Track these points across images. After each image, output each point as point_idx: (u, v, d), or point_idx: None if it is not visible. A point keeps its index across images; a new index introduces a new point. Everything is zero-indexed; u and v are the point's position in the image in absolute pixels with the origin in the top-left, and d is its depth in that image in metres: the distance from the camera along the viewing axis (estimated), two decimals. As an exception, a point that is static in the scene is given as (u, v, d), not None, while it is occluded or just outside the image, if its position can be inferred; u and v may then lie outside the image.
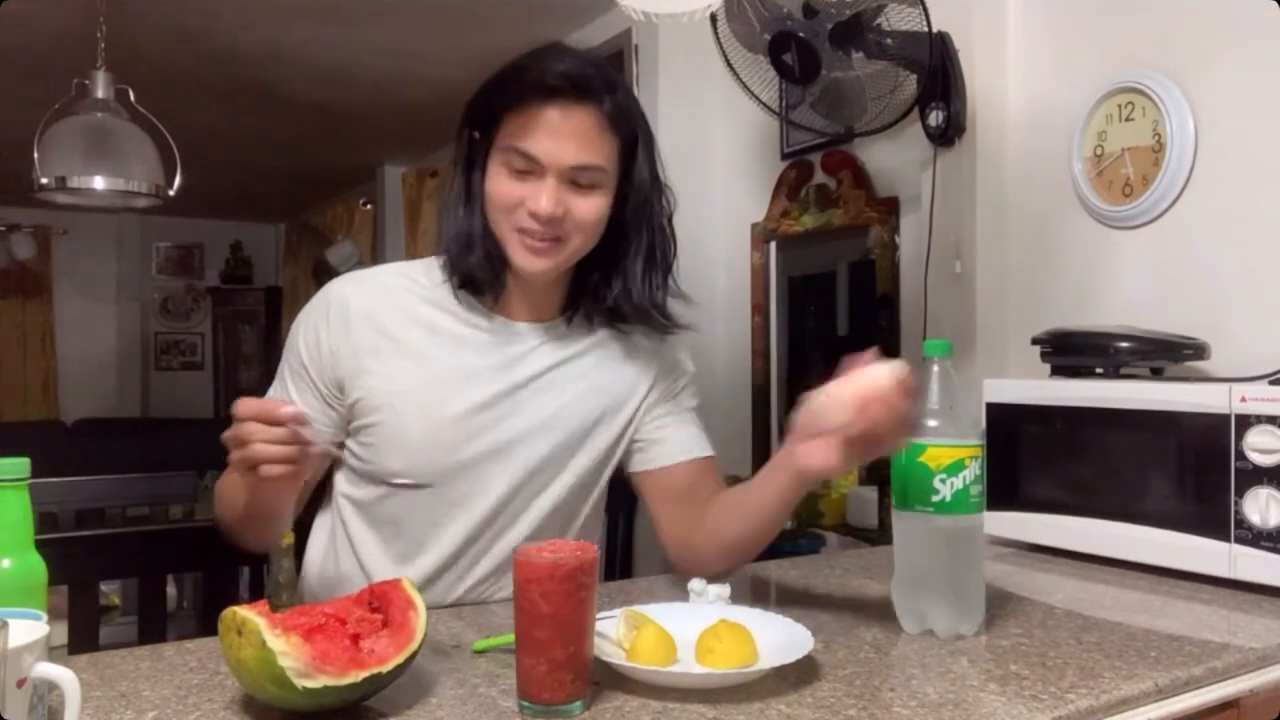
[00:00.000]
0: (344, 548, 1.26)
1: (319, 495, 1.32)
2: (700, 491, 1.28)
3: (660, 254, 1.24)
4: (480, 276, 1.19)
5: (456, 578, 1.23)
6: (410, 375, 1.19)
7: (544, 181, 1.12)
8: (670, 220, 1.26)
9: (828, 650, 1.03)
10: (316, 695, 0.81)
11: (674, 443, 1.30)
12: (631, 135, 1.19)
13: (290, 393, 1.21)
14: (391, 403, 1.18)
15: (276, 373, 1.25)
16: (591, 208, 1.16)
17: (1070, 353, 1.61)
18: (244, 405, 0.99)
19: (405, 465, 1.20)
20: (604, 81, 1.14)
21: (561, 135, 1.11)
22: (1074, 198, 1.84)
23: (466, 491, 1.21)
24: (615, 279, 1.23)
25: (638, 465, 1.31)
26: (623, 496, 1.70)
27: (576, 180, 1.14)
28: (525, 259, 1.16)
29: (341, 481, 1.27)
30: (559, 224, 1.14)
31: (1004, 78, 1.98)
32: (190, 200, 3.60)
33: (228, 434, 1.01)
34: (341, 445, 1.25)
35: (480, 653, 1.03)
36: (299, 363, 1.21)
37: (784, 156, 2.70)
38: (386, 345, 1.19)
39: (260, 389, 1.29)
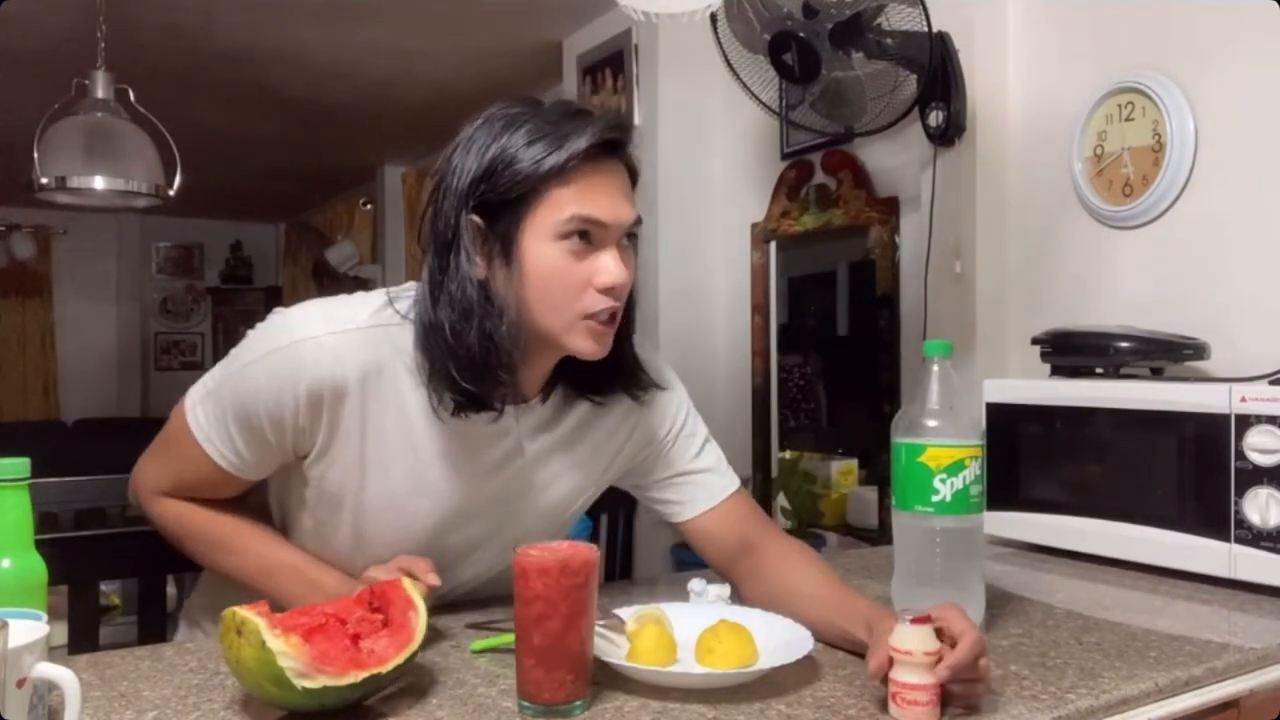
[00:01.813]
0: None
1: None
2: (731, 529, 1.21)
3: (635, 308, 1.11)
4: (497, 395, 1.03)
5: None
6: (374, 474, 1.06)
7: (607, 250, 1.00)
8: None
9: (828, 650, 1.03)
10: (316, 695, 0.81)
11: (685, 503, 1.22)
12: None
13: (234, 441, 1.06)
14: (352, 500, 1.08)
15: (213, 404, 1.06)
16: (633, 270, 1.04)
17: (1070, 353, 1.61)
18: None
19: (365, 558, 1.10)
20: (631, 130, 1.05)
21: (616, 193, 1.01)
22: (1074, 198, 1.84)
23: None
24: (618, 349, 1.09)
25: (664, 518, 1.26)
26: (623, 497, 1.70)
27: (626, 239, 1.03)
28: (591, 345, 1.02)
29: (289, 511, 1.17)
30: (621, 294, 1.02)
31: (1004, 78, 1.98)
32: (190, 200, 3.60)
33: None
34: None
35: (480, 653, 1.03)
36: (251, 425, 1.04)
37: (784, 156, 2.70)
38: (352, 431, 1.04)
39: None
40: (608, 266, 0.99)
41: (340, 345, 1.02)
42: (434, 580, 1.01)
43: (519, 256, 0.99)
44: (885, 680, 0.86)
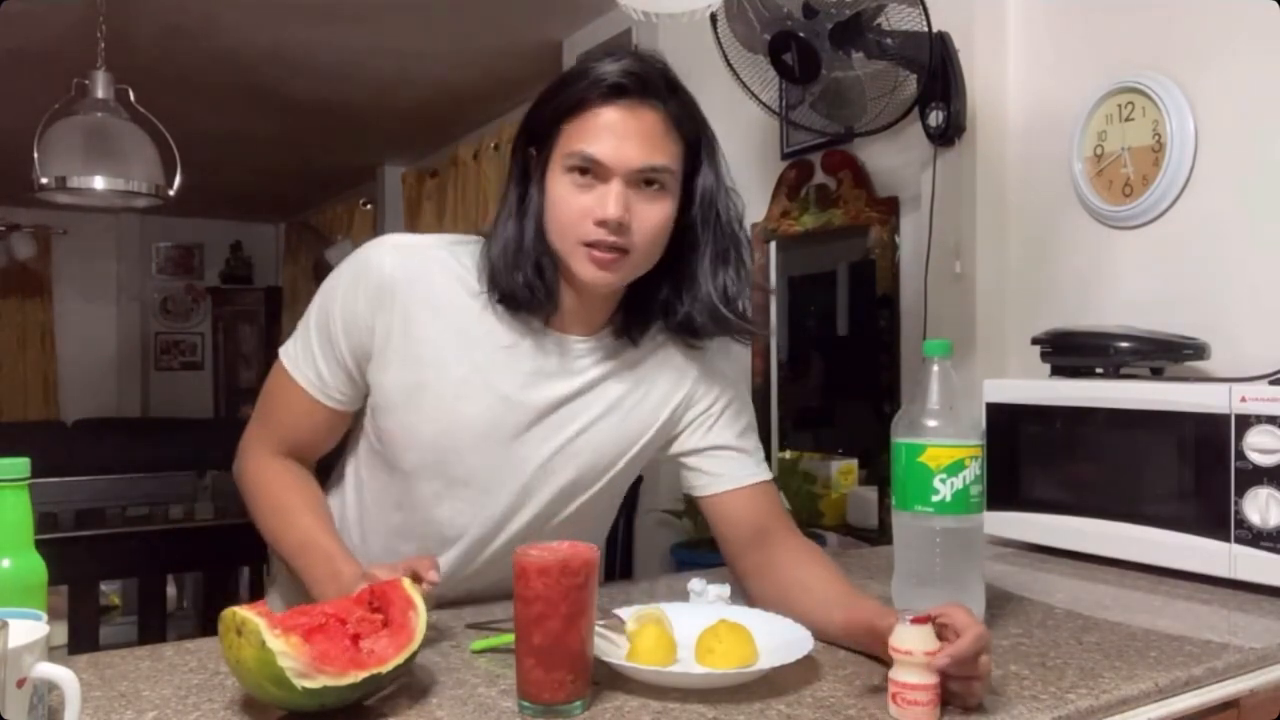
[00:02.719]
0: (345, 535, 1.24)
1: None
2: (753, 515, 1.22)
3: (735, 255, 1.18)
4: (526, 293, 1.12)
5: (449, 577, 1.21)
6: (433, 378, 1.14)
7: (609, 186, 1.07)
8: (741, 223, 1.20)
9: (828, 650, 1.03)
10: (316, 695, 0.81)
11: (718, 476, 1.24)
12: (695, 138, 1.14)
13: (316, 359, 1.16)
14: (404, 404, 1.15)
15: (300, 327, 1.19)
16: (657, 214, 1.10)
17: (1070, 353, 1.61)
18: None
19: (417, 464, 1.18)
20: (666, 80, 1.11)
21: (627, 136, 1.07)
22: (1074, 198, 1.84)
23: (478, 504, 1.19)
24: (687, 290, 1.17)
25: (688, 489, 1.28)
26: (623, 497, 1.70)
27: (643, 184, 1.08)
28: (592, 273, 1.09)
29: (360, 462, 1.26)
30: (625, 231, 1.07)
31: (1004, 78, 1.98)
32: (190, 200, 3.61)
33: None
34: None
35: (480, 653, 1.03)
36: (328, 332, 1.15)
37: (784, 156, 2.69)
38: (418, 336, 1.14)
39: (259, 389, 1.27)
40: (601, 201, 1.07)
41: (399, 251, 1.15)
42: (434, 577, 1.01)
43: (545, 184, 1.11)
44: (886, 680, 0.87)
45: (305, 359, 1.17)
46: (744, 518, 1.22)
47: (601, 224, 1.06)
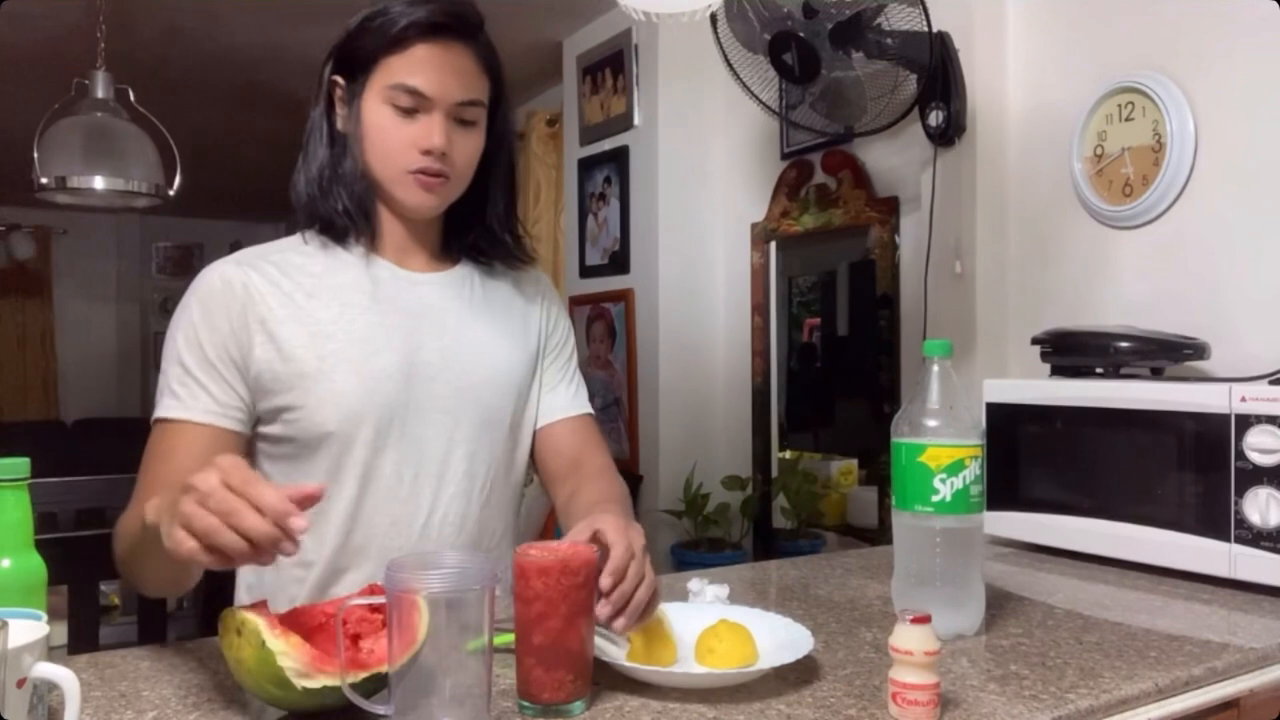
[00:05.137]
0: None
1: None
2: (573, 444, 1.29)
3: (513, 187, 1.29)
4: (343, 218, 1.19)
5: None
6: (307, 343, 1.14)
7: (430, 117, 1.14)
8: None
9: (828, 650, 1.03)
10: (316, 695, 0.81)
11: (544, 407, 1.31)
12: (497, 75, 1.22)
13: (204, 389, 1.13)
14: (302, 371, 1.14)
15: (166, 384, 1.16)
16: (473, 144, 1.19)
17: (1070, 353, 1.61)
18: (234, 474, 0.78)
19: (338, 425, 1.14)
20: (477, 20, 1.18)
21: (446, 70, 1.14)
22: (1074, 198, 1.84)
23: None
24: (488, 215, 1.26)
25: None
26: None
27: (459, 117, 1.16)
28: (415, 197, 1.17)
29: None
30: (446, 160, 1.15)
31: (1004, 78, 1.98)
32: (190, 200, 3.60)
33: (190, 499, 0.78)
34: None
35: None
36: (202, 358, 1.13)
37: (784, 156, 2.70)
38: (281, 314, 1.15)
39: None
40: (427, 131, 1.14)
41: (231, 258, 1.23)
42: (300, 523, 0.79)
43: (360, 114, 1.16)
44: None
45: (190, 397, 1.13)
46: (565, 447, 1.29)
47: (427, 153, 1.14)
